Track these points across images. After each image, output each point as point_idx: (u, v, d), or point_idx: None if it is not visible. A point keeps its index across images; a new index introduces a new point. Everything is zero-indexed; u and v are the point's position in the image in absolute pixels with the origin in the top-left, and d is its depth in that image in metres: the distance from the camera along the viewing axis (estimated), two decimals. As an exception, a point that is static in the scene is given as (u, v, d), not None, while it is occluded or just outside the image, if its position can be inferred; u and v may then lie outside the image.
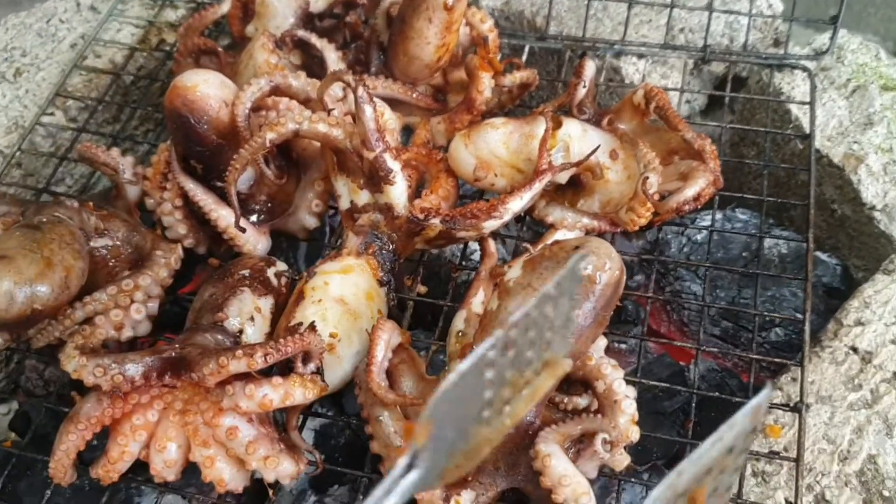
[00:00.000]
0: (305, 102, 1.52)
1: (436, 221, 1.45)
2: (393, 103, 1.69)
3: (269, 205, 1.56)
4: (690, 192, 1.40)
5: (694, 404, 1.41)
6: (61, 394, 1.58)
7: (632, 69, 1.91)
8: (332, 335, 1.35)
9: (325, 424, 1.58)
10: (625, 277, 1.18)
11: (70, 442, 1.27)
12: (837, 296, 1.76)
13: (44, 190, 1.77)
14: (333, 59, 1.66)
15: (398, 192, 1.45)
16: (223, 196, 1.48)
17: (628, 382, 1.22)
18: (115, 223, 1.51)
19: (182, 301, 1.65)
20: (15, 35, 2.06)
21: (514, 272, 1.21)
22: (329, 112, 1.45)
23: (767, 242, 1.75)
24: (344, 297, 1.40)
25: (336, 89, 1.56)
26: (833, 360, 1.46)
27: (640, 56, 1.92)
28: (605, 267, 1.14)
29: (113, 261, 1.49)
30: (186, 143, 1.47)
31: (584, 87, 1.60)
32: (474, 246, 1.67)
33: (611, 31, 1.96)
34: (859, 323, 1.50)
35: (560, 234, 1.52)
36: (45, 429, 1.54)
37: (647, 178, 1.38)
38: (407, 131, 1.76)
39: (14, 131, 1.86)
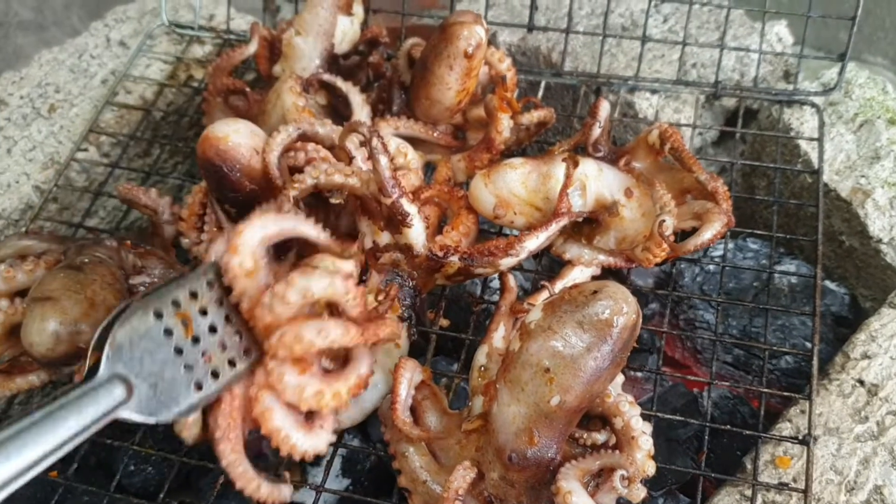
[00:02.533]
0: (331, 147, 1.58)
1: (454, 259, 1.52)
2: (415, 142, 1.76)
3: (297, 246, 1.63)
4: (707, 235, 1.46)
5: (707, 436, 1.47)
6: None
7: (645, 104, 1.97)
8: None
9: (352, 451, 1.65)
10: (640, 320, 1.24)
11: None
12: (846, 324, 1.82)
13: (79, 225, 1.84)
14: (358, 101, 1.73)
15: (416, 233, 1.51)
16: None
17: (644, 416, 1.28)
18: (153, 261, 1.58)
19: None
20: (49, 71, 2.13)
21: (535, 314, 1.26)
22: (351, 159, 1.52)
23: (778, 269, 1.81)
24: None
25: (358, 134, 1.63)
26: (840, 393, 1.52)
27: (654, 91, 1.98)
28: (622, 311, 1.19)
29: (150, 297, 1.55)
30: (220, 190, 1.53)
31: (600, 126, 1.66)
32: (495, 277, 1.73)
33: (625, 66, 2.02)
34: (866, 356, 1.56)
35: (577, 271, 1.59)
36: (87, 459, 1.61)
37: (664, 220, 1.44)
38: (429, 168, 1.83)
39: (50, 167, 1.93)
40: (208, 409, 1.30)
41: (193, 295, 1.28)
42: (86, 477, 1.60)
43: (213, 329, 1.29)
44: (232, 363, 1.29)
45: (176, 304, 1.26)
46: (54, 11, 3.41)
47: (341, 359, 1.34)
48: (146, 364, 1.21)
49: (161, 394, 1.22)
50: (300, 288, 1.22)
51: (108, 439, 1.54)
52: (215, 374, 1.27)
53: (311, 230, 1.34)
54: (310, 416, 1.31)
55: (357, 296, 1.28)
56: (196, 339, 1.27)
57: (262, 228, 1.29)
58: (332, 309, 1.31)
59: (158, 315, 1.24)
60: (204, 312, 1.29)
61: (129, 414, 1.19)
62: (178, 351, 1.25)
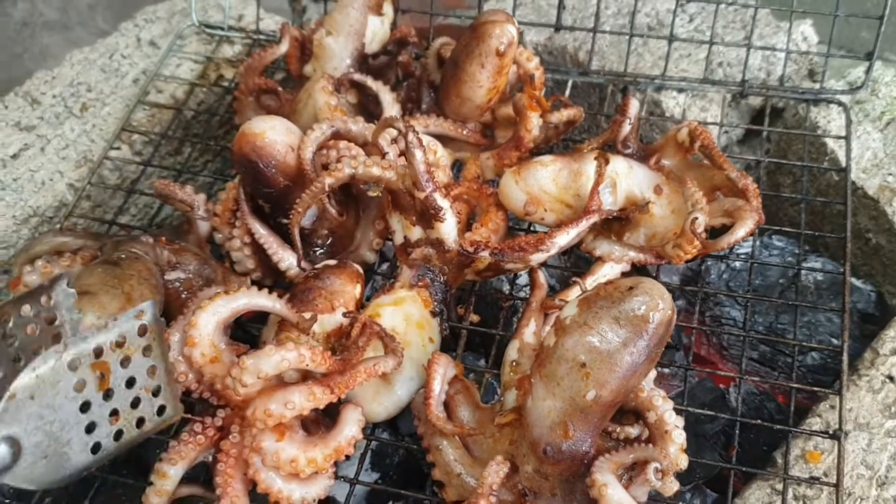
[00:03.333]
0: (363, 145, 1.60)
1: (485, 254, 1.54)
2: (444, 140, 1.78)
3: (331, 240, 1.65)
4: (741, 233, 1.48)
5: (736, 431, 1.48)
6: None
7: (672, 103, 1.99)
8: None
9: (381, 445, 1.67)
10: (675, 316, 1.25)
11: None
12: (872, 321, 1.83)
13: (112, 222, 1.87)
14: (388, 100, 1.75)
15: (448, 228, 1.53)
16: (287, 235, 1.57)
17: (675, 411, 1.29)
18: (187, 257, 1.61)
19: (245, 326, 1.74)
20: (80, 71, 2.16)
21: (569, 310, 1.28)
22: (383, 155, 1.54)
23: (805, 267, 1.82)
24: (395, 328, 1.48)
25: (390, 131, 1.65)
26: (870, 389, 1.53)
27: (681, 90, 1.99)
28: (658, 307, 1.21)
29: (185, 293, 1.58)
30: (255, 185, 1.56)
31: (630, 123, 1.67)
32: (523, 274, 1.75)
33: (651, 65, 2.04)
34: (895, 352, 1.57)
35: (608, 267, 1.60)
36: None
37: (696, 218, 1.45)
38: (458, 166, 1.85)
39: (83, 165, 1.96)
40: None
41: (119, 343, 1.16)
42: (118, 469, 1.63)
43: (130, 383, 1.19)
44: (141, 422, 1.22)
45: (98, 352, 1.14)
46: (79, 12, 3.45)
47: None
48: (42, 426, 1.08)
49: (52, 458, 1.10)
50: (252, 370, 1.25)
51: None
52: (118, 435, 1.19)
53: (266, 302, 1.36)
54: None
55: (317, 358, 1.29)
56: (108, 394, 1.16)
57: (214, 314, 1.33)
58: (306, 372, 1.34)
59: (73, 367, 1.11)
60: (126, 362, 1.18)
61: (10, 480, 1.07)
62: (85, 406, 1.13)
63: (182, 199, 1.65)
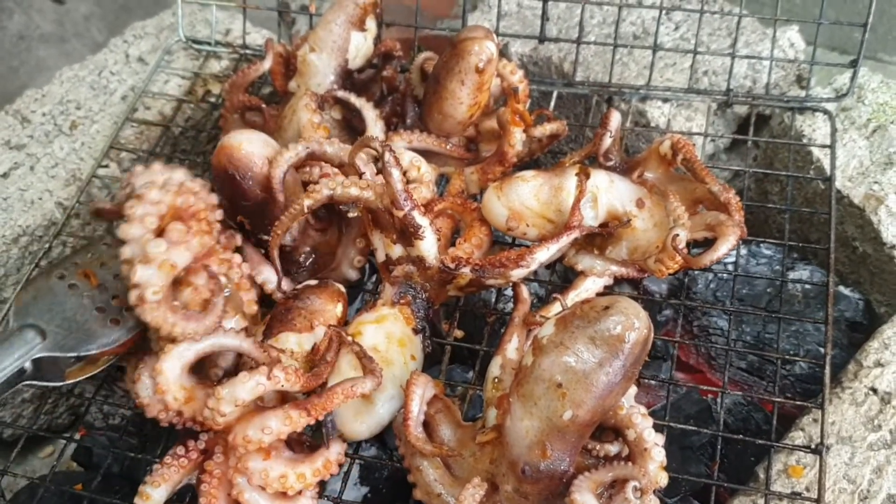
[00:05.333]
0: (339, 166, 1.62)
1: (466, 270, 1.54)
2: (428, 155, 1.78)
3: (313, 257, 1.66)
4: (723, 249, 1.47)
5: (720, 446, 1.48)
6: (119, 427, 1.68)
7: (657, 113, 1.98)
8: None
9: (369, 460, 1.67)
10: (652, 335, 1.26)
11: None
12: (860, 329, 1.82)
13: (101, 240, 1.88)
14: (371, 117, 1.75)
15: (428, 245, 1.54)
16: (268, 253, 1.58)
17: (657, 426, 1.30)
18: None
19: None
20: (70, 88, 2.17)
21: (547, 329, 1.28)
22: (361, 175, 1.55)
23: (791, 276, 1.82)
24: (377, 346, 1.49)
25: (369, 150, 1.66)
26: (853, 401, 1.53)
27: (665, 100, 1.99)
28: (633, 326, 1.21)
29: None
30: (232, 198, 1.57)
31: (611, 136, 1.68)
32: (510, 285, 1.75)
33: (636, 75, 2.03)
34: (879, 364, 1.57)
35: (590, 282, 1.61)
36: (110, 469, 1.65)
37: (678, 234, 1.45)
38: (443, 180, 1.85)
39: (72, 184, 1.97)
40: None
41: (92, 255, 1.56)
42: (109, 485, 1.64)
43: (117, 276, 1.51)
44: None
45: (76, 264, 1.53)
46: (75, 24, 3.46)
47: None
48: (56, 314, 1.45)
49: (77, 332, 1.45)
50: (229, 398, 1.27)
51: (131, 452, 1.58)
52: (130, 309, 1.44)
53: (230, 341, 1.38)
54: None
55: (291, 377, 1.31)
56: (103, 287, 1.52)
57: (179, 358, 1.35)
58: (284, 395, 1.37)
59: (60, 276, 1.51)
60: (103, 265, 1.55)
61: (47, 352, 1.41)
62: (88, 298, 1.50)
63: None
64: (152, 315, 1.38)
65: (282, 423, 1.28)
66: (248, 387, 1.26)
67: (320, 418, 1.31)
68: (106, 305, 1.50)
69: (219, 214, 1.54)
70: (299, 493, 1.36)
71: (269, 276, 1.59)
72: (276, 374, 1.28)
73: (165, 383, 1.34)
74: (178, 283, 1.46)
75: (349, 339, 1.41)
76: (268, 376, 1.28)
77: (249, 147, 1.54)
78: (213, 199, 1.54)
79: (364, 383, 1.34)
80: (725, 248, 1.48)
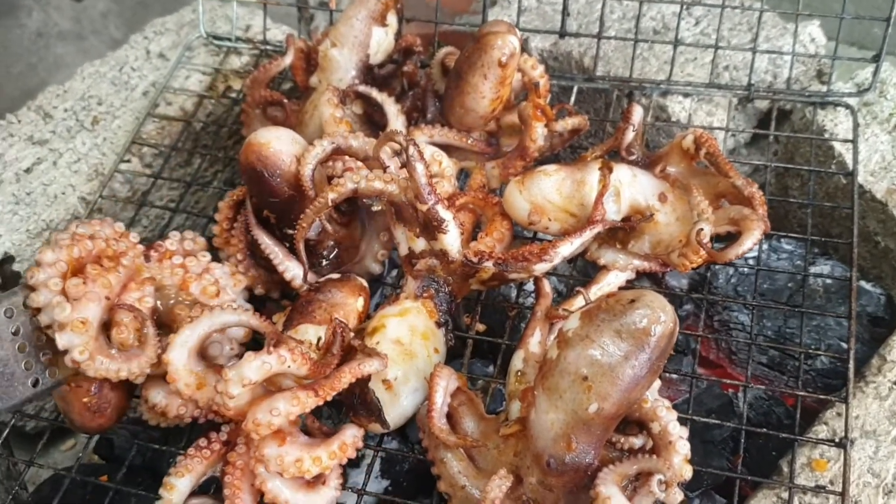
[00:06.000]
0: (364, 159, 1.62)
1: (488, 264, 1.55)
2: (449, 149, 1.79)
3: (336, 251, 1.67)
4: (748, 244, 1.48)
5: (742, 439, 1.48)
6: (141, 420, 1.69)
7: (678, 107, 1.98)
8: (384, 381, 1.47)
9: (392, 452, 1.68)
10: (678, 328, 1.26)
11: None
12: (882, 324, 1.82)
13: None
14: (393, 111, 1.76)
15: (451, 239, 1.54)
16: (293, 245, 1.59)
17: (680, 420, 1.30)
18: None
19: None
20: (91, 84, 2.19)
21: (572, 322, 1.29)
22: (385, 169, 1.56)
23: (812, 270, 1.82)
24: (400, 339, 1.51)
25: (392, 144, 1.67)
26: (877, 396, 1.53)
27: (686, 95, 1.99)
28: (659, 320, 1.21)
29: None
30: (260, 195, 1.58)
31: (633, 130, 1.68)
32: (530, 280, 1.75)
33: (657, 70, 2.03)
34: (902, 358, 1.57)
35: (612, 276, 1.61)
36: (134, 460, 1.67)
37: (702, 229, 1.45)
38: (463, 175, 1.86)
39: (95, 178, 1.99)
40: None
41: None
42: (132, 477, 1.65)
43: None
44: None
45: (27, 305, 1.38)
46: (92, 21, 3.49)
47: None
48: None
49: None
50: (236, 379, 1.27)
51: (155, 444, 1.59)
52: (52, 373, 1.41)
53: (231, 317, 1.38)
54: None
55: (297, 358, 1.31)
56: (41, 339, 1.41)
57: (183, 345, 1.36)
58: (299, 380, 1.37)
59: (9, 314, 1.38)
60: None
61: None
62: (21, 349, 1.38)
63: None
64: (94, 370, 1.36)
65: (290, 404, 1.28)
66: (253, 366, 1.27)
67: (328, 398, 1.32)
68: (34, 361, 1.41)
69: (125, 243, 1.49)
70: (322, 483, 1.37)
71: (293, 269, 1.60)
72: (283, 354, 1.29)
73: (175, 371, 1.35)
74: (107, 326, 1.42)
75: (351, 334, 1.40)
76: (268, 350, 1.28)
77: (278, 145, 1.55)
78: (115, 229, 1.51)
79: (371, 363, 1.35)
80: (750, 242, 1.48)
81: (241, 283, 1.61)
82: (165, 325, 1.50)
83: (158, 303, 1.50)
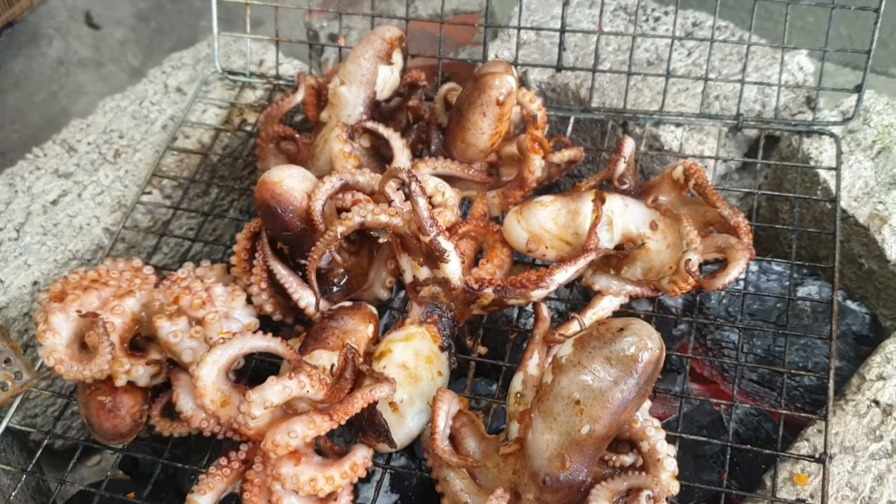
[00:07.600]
0: (371, 194, 1.73)
1: (488, 291, 1.64)
2: (452, 180, 1.89)
3: (346, 279, 1.77)
4: (734, 273, 1.56)
5: (728, 455, 1.57)
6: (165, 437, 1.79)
7: (670, 136, 2.08)
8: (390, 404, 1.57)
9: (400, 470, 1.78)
10: (664, 355, 1.35)
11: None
12: (867, 343, 1.90)
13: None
14: (399, 146, 1.86)
15: (453, 268, 1.64)
16: (306, 274, 1.69)
17: (671, 437, 1.39)
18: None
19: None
20: (112, 118, 2.30)
21: (566, 349, 1.38)
22: (390, 203, 1.66)
23: (799, 292, 1.90)
24: (406, 363, 1.60)
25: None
26: (856, 413, 1.62)
27: (678, 125, 2.08)
28: (646, 347, 1.29)
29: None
30: (274, 228, 1.69)
31: (625, 162, 1.77)
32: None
33: (650, 100, 2.13)
34: (881, 377, 1.65)
35: (607, 300, 1.70)
36: (157, 477, 1.76)
37: (690, 259, 1.54)
38: (466, 203, 1.95)
39: (118, 210, 2.10)
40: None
41: None
42: (156, 493, 1.75)
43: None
44: (4, 386, 1.63)
45: None
46: (111, 49, 3.61)
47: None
48: None
49: None
50: (259, 401, 1.37)
51: (178, 462, 1.69)
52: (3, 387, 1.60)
53: (260, 343, 1.49)
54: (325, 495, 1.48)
55: (315, 384, 1.41)
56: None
57: (214, 364, 1.47)
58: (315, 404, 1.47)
59: None
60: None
61: None
62: None
63: None
64: (65, 373, 1.56)
65: (307, 427, 1.38)
66: (275, 390, 1.37)
67: (342, 422, 1.41)
68: None
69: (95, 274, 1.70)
70: (335, 500, 1.48)
71: (307, 298, 1.70)
72: (302, 380, 1.39)
73: (204, 387, 1.46)
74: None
75: (360, 360, 1.50)
76: (289, 376, 1.38)
77: (290, 182, 1.66)
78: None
79: (381, 388, 1.45)
80: (736, 272, 1.57)
81: (241, 297, 1.71)
82: (149, 336, 1.66)
83: (143, 314, 1.66)
